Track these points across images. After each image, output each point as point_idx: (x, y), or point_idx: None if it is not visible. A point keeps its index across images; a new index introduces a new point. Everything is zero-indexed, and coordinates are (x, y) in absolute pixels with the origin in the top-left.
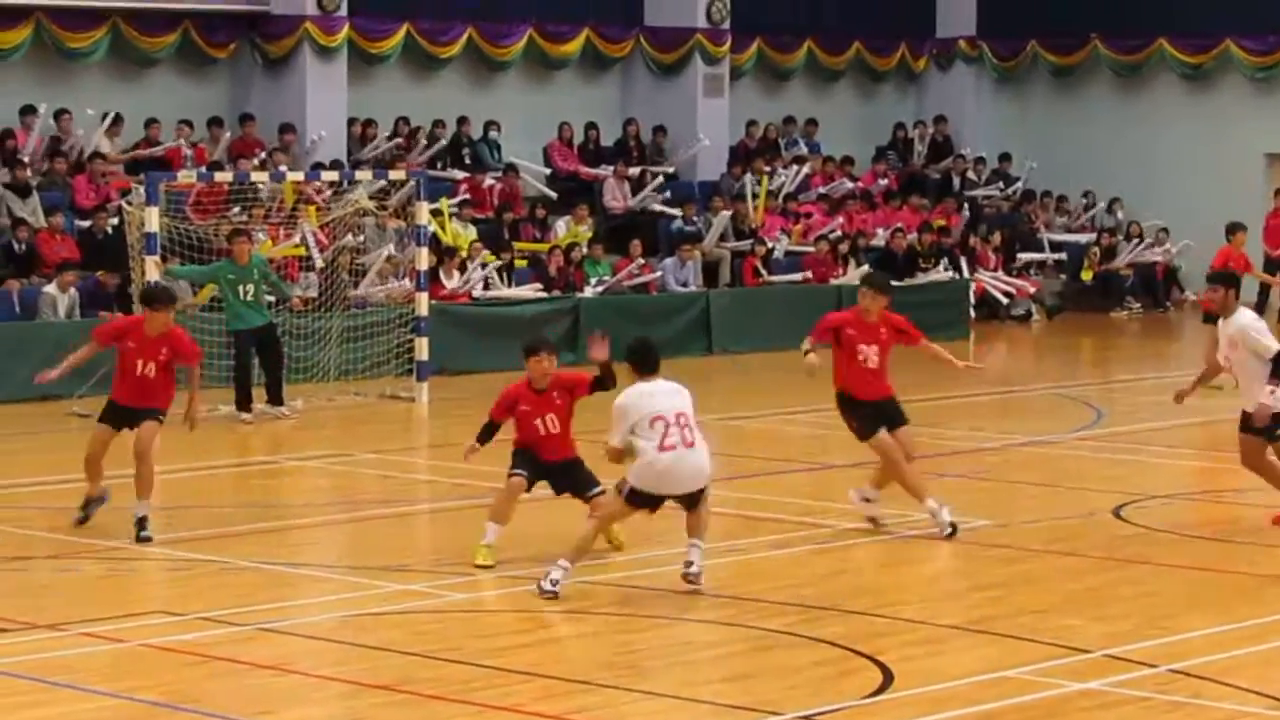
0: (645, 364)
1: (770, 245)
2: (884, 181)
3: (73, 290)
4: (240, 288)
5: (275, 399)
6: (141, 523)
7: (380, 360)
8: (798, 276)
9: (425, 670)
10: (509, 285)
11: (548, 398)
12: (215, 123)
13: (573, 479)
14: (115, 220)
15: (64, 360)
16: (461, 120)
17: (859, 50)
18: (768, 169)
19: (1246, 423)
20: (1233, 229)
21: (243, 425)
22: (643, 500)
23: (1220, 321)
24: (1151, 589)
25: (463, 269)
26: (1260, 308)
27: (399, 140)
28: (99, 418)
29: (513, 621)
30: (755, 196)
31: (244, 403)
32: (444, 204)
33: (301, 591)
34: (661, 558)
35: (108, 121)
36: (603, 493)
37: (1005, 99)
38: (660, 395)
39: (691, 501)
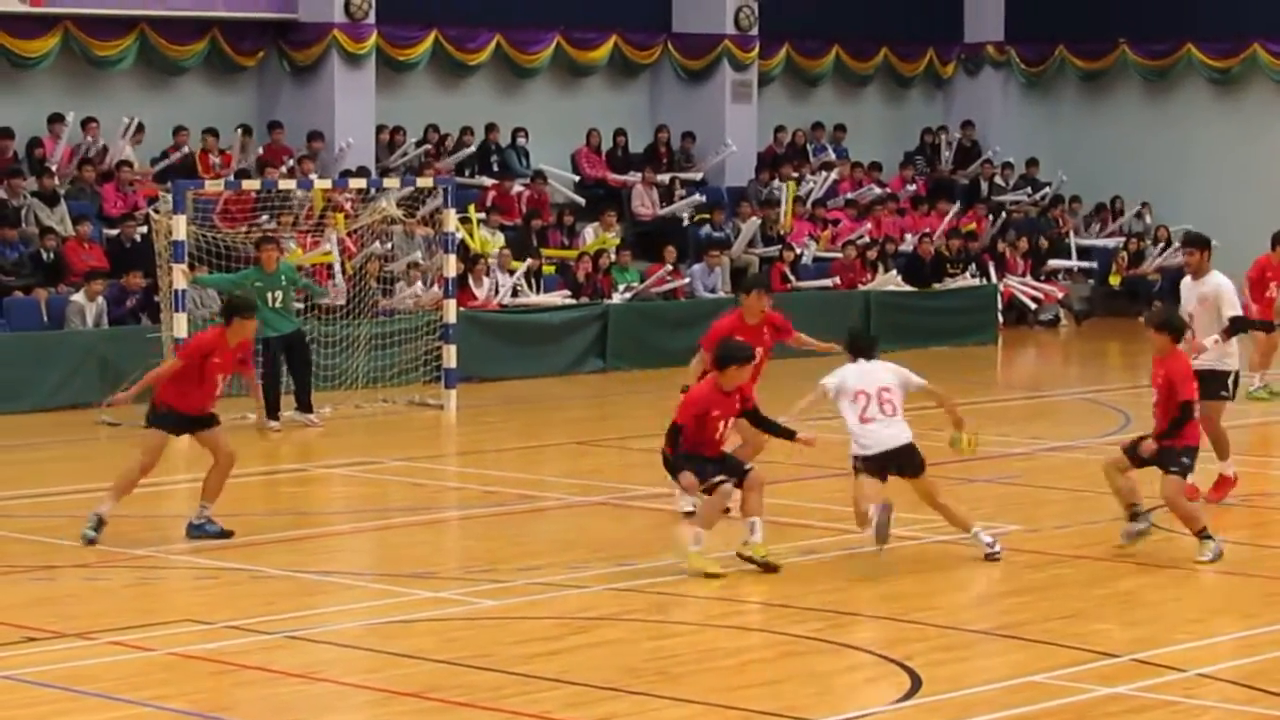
0: (859, 349)
1: (798, 251)
2: (912, 187)
3: (100, 299)
4: (269, 295)
5: (304, 406)
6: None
7: (408, 368)
8: (826, 282)
9: (455, 678)
10: (537, 292)
11: (731, 402)
12: (243, 130)
13: (727, 466)
14: (143, 228)
15: (137, 381)
16: (490, 127)
17: (886, 56)
18: (795, 175)
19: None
20: (1279, 239)
21: (271, 433)
22: (869, 466)
23: (1191, 280)
24: (1179, 593)
25: (490, 275)
26: None
27: (427, 147)
28: (156, 424)
29: (543, 628)
30: (784, 202)
31: (273, 410)
32: (472, 211)
33: (330, 599)
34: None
35: (131, 129)
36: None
37: (1033, 104)
38: (867, 374)
39: (902, 467)
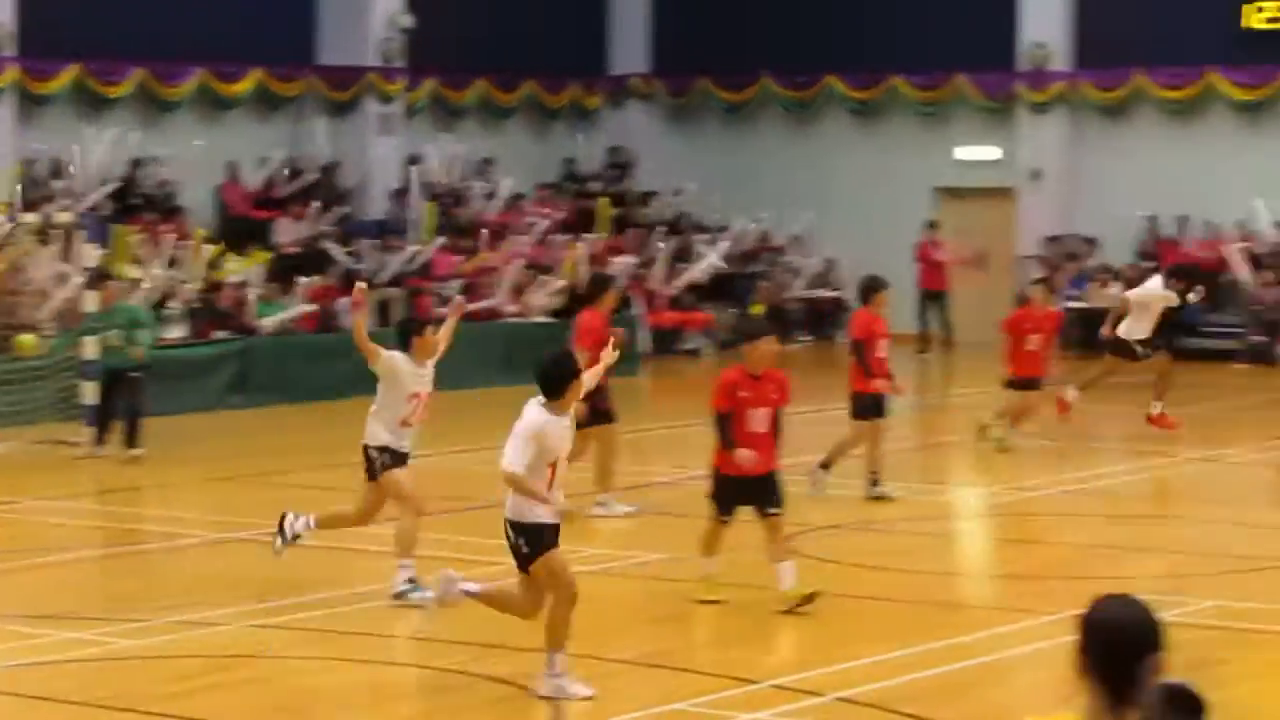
0: None
1: (448, 284)
2: (559, 216)
3: None
4: (107, 334)
5: (131, 442)
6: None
7: (40, 406)
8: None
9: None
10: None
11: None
12: None
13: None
14: None
15: None
16: (134, 161)
17: (532, 88)
18: (441, 205)
19: None
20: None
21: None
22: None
23: None
24: (820, 619)
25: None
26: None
27: (69, 180)
28: None
29: (183, 667)
30: (424, 229)
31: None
32: (121, 243)
33: None
34: (336, 599)
35: None
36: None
37: (678, 135)
38: None
39: None
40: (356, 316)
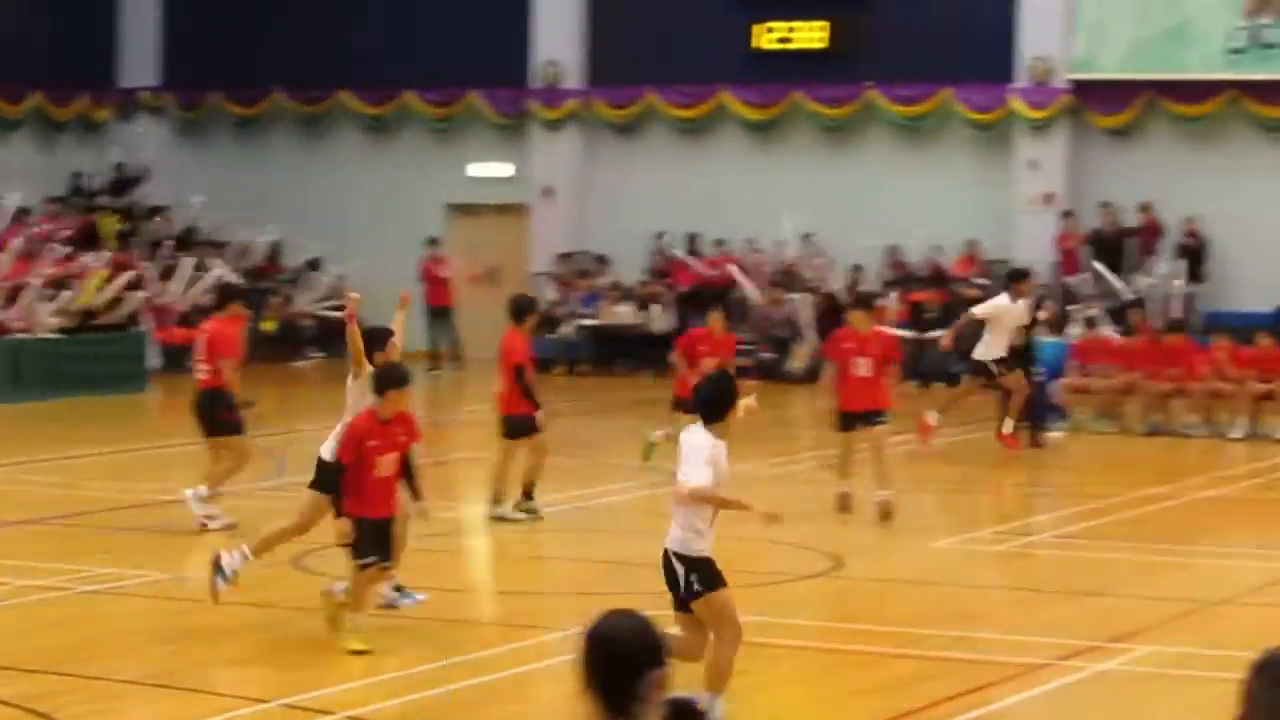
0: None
1: None
2: (65, 232)
3: None
4: None
5: None
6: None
7: None
8: None
9: None
10: None
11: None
12: None
13: None
14: None
15: None
16: None
17: (38, 100)
18: None
19: None
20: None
21: None
22: None
23: None
24: (335, 637)
25: None
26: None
27: None
28: None
29: None
30: None
31: None
32: None
33: None
34: None
35: None
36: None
37: (189, 149)
38: None
39: None
40: (352, 326)
